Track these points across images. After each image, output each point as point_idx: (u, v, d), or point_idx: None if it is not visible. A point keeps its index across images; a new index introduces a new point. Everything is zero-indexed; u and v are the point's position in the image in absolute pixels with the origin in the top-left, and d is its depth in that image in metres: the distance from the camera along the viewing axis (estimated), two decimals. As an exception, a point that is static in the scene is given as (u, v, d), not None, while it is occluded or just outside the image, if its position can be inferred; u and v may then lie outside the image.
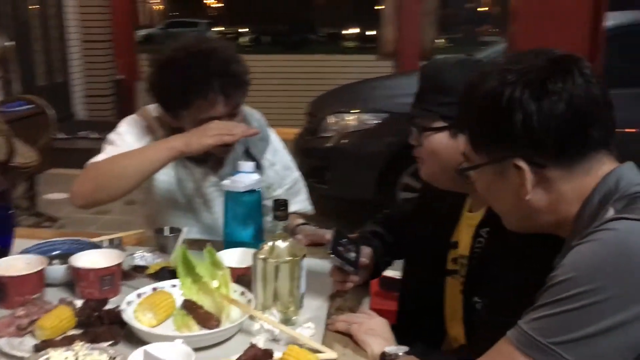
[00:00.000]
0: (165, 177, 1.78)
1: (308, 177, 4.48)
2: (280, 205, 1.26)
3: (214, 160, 1.77)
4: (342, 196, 4.39)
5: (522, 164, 0.98)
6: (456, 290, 1.41)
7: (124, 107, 7.96)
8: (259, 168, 1.74)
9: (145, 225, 1.87)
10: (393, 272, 2.42)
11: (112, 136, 1.75)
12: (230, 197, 1.51)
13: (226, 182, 1.52)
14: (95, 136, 6.17)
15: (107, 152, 1.69)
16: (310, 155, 4.50)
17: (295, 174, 1.94)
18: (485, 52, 5.81)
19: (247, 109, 1.83)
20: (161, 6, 33.29)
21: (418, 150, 1.37)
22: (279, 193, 1.85)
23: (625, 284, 0.84)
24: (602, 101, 0.97)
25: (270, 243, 1.27)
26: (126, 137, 1.73)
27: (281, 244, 1.27)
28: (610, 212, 0.93)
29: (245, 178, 1.50)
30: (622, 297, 0.84)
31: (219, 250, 1.39)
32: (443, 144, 1.31)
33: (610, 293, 0.84)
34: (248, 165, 1.53)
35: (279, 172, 1.88)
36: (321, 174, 4.35)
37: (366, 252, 1.49)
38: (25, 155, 3.92)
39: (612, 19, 3.29)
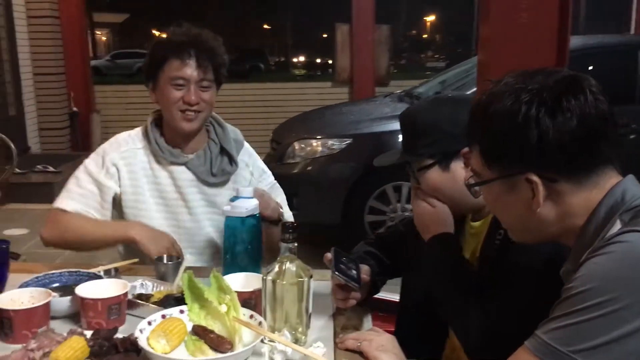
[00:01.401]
0: (133, 196, 1.89)
1: (276, 203, 4.52)
2: (289, 228, 1.30)
3: (189, 160, 1.89)
4: (311, 221, 4.42)
5: (535, 178, 1.03)
6: None
7: (80, 140, 7.84)
8: (234, 164, 1.90)
9: (123, 246, 1.93)
10: (387, 295, 2.46)
11: (79, 168, 1.92)
12: (231, 222, 1.54)
13: (226, 207, 1.55)
14: (51, 170, 6.06)
15: (68, 191, 1.86)
16: (277, 182, 4.53)
17: (272, 179, 2.06)
18: (437, 78, 6.01)
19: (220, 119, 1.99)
20: (107, 38, 32.90)
21: (421, 192, 1.46)
22: None
23: (639, 293, 0.90)
24: (609, 117, 1.03)
25: (278, 265, 1.30)
26: (89, 167, 1.89)
27: (289, 266, 1.30)
28: (617, 224, 0.99)
29: (245, 203, 1.53)
30: (637, 306, 0.89)
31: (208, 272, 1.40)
32: (438, 178, 1.41)
33: (626, 302, 0.89)
34: (247, 190, 1.56)
35: (254, 174, 2.00)
36: (289, 201, 4.37)
37: (365, 269, 1.54)
38: (-16, 190, 3.81)
39: (575, 42, 3.49)
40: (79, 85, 7.92)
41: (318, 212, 4.39)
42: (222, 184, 1.93)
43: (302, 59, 35.77)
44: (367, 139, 4.33)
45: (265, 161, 4.78)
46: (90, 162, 1.89)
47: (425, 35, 46.29)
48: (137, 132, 1.94)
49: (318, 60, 31.67)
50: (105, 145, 1.93)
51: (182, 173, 1.89)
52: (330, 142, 4.42)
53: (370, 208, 4.37)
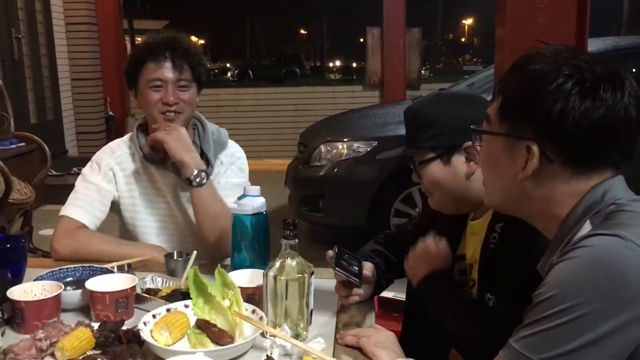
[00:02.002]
0: (129, 200, 1.95)
1: (302, 205, 4.58)
2: (289, 225, 1.32)
3: (172, 162, 1.89)
4: (336, 223, 4.45)
5: (535, 149, 1.01)
6: None
7: (115, 143, 8.03)
8: (210, 167, 1.90)
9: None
10: (391, 293, 2.47)
11: (79, 178, 1.96)
12: (238, 220, 1.57)
13: (233, 205, 1.58)
14: (87, 172, 6.21)
15: (74, 199, 1.90)
16: (304, 185, 4.58)
17: (237, 180, 1.97)
18: (466, 81, 5.96)
19: (209, 123, 2.01)
20: (147, 44, 33.53)
21: (423, 185, 1.47)
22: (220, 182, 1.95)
23: (605, 298, 0.88)
24: (634, 125, 0.99)
25: (279, 261, 1.33)
26: (87, 175, 1.94)
27: (290, 262, 1.32)
28: (587, 226, 0.98)
29: (252, 201, 1.56)
30: (603, 311, 0.88)
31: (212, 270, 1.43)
32: (439, 171, 1.41)
33: (591, 307, 0.88)
34: (254, 189, 1.59)
35: (222, 171, 1.97)
36: (315, 202, 4.42)
37: (368, 266, 1.55)
38: (21, 191, 3.94)
39: (592, 45, 3.43)
40: (115, 90, 8.12)
41: (344, 215, 4.42)
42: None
43: (337, 63, 35.86)
44: (393, 141, 4.32)
45: (293, 164, 4.88)
46: (87, 170, 1.96)
47: (463, 39, 45.89)
48: (127, 138, 2.00)
49: (353, 65, 31.71)
50: (99, 153, 1.98)
51: (166, 177, 1.93)
52: (356, 144, 4.43)
53: (396, 210, 4.36)
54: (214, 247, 1.79)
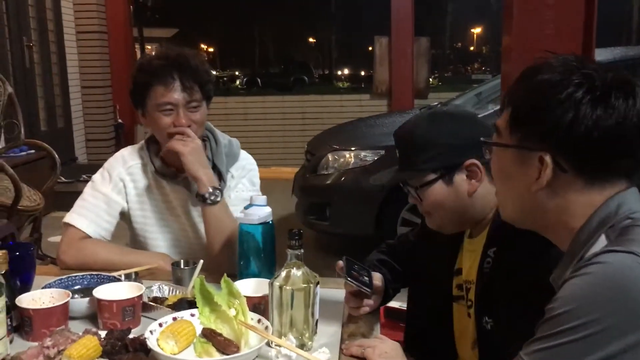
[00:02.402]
0: (140, 212, 1.93)
1: (309, 213, 4.58)
2: (295, 235, 1.33)
3: (183, 177, 1.89)
4: (343, 232, 4.46)
5: (548, 159, 1.00)
6: (463, 314, 1.47)
7: (124, 151, 8.08)
8: (222, 182, 1.87)
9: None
10: (397, 303, 2.46)
11: (88, 184, 1.94)
12: (244, 229, 1.58)
13: (240, 215, 1.59)
14: (96, 179, 6.25)
15: (80, 207, 1.89)
16: (311, 193, 4.59)
17: (247, 195, 1.92)
18: (473, 90, 5.97)
19: (221, 134, 1.98)
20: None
21: (421, 207, 1.45)
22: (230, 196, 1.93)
23: (618, 315, 0.88)
24: None
25: (285, 271, 1.34)
26: (97, 183, 1.92)
27: (296, 272, 1.33)
28: (602, 240, 0.97)
29: (258, 211, 1.57)
30: (617, 328, 0.88)
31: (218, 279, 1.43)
32: (442, 192, 1.39)
33: (605, 324, 0.88)
34: (261, 198, 1.60)
35: (234, 185, 1.95)
36: (322, 211, 4.43)
37: (377, 276, 1.55)
38: (30, 198, 3.98)
39: (600, 55, 3.43)
40: (124, 98, 8.13)
41: (351, 223, 4.42)
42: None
43: (345, 71, 35.95)
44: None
45: (300, 172, 4.89)
46: (98, 177, 1.93)
47: (471, 48, 45.89)
48: (140, 147, 1.97)
49: (362, 73, 31.78)
50: (112, 161, 1.96)
51: (177, 192, 1.92)
52: (363, 153, 4.43)
53: (403, 220, 4.36)
54: (222, 261, 1.75)
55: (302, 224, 4.50)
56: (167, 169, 1.90)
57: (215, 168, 1.89)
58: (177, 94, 1.78)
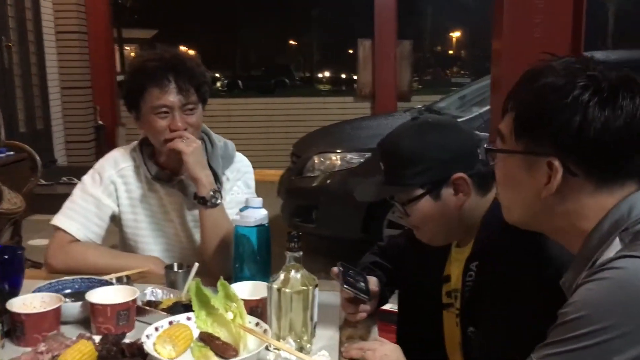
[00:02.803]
0: (132, 216, 1.90)
1: (295, 216, 4.56)
2: (294, 238, 1.31)
3: (178, 181, 1.86)
4: (330, 234, 4.45)
5: (557, 164, 0.98)
6: (452, 322, 1.47)
7: (105, 153, 7.99)
8: (218, 183, 1.83)
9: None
10: (388, 305, 2.46)
11: (78, 185, 1.89)
12: (240, 231, 1.56)
13: (236, 217, 1.57)
14: (76, 181, 6.16)
15: (69, 209, 1.84)
16: (297, 195, 4.57)
17: (242, 198, 1.88)
18: (457, 93, 6.01)
19: (216, 136, 1.95)
20: (136, 53, 33.50)
21: (408, 221, 1.43)
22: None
23: (634, 322, 0.87)
24: None
25: (284, 273, 1.32)
26: (87, 185, 1.87)
27: (295, 274, 1.32)
28: (616, 244, 0.96)
29: (254, 213, 1.55)
30: (632, 335, 0.87)
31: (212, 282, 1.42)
32: (429, 208, 1.37)
33: (620, 331, 0.87)
34: (257, 201, 1.58)
35: (228, 187, 1.92)
36: (308, 213, 4.41)
37: (373, 280, 1.54)
38: (11, 201, 3.90)
39: (596, 57, 3.46)
40: (105, 99, 8.09)
41: (337, 226, 4.41)
42: None
43: (327, 74, 35.99)
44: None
45: (286, 174, 4.87)
46: (88, 179, 1.88)
47: (451, 51, 46.25)
48: (133, 148, 1.93)
49: (343, 76, 31.84)
50: (102, 162, 1.91)
51: (171, 196, 1.88)
52: (349, 156, 4.44)
53: (389, 222, 4.36)
54: (217, 264, 1.72)
55: (288, 226, 4.48)
56: (161, 172, 1.86)
57: (210, 170, 1.85)
58: (172, 97, 1.74)
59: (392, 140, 1.41)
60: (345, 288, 1.43)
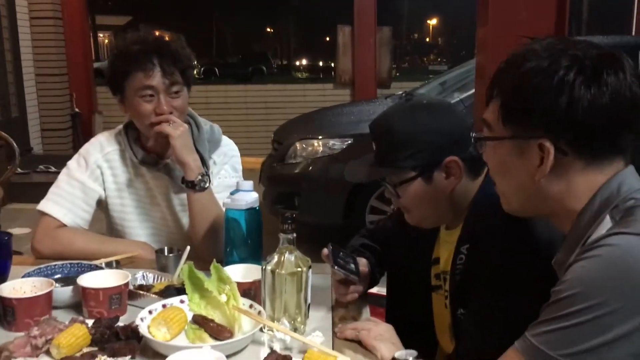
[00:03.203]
0: (118, 200, 1.88)
1: (276, 203, 4.55)
2: (287, 219, 1.32)
3: (164, 164, 1.85)
4: (312, 221, 4.43)
5: (549, 145, 0.99)
6: (441, 304, 1.48)
7: (82, 141, 7.89)
8: (204, 167, 1.81)
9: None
10: (375, 289, 2.48)
11: (63, 170, 1.87)
12: (231, 214, 1.55)
13: (227, 200, 1.56)
14: (52, 170, 6.09)
15: (55, 195, 1.82)
16: (279, 182, 4.56)
17: (231, 182, 1.88)
18: (436, 80, 6.04)
19: (202, 119, 1.93)
20: (110, 40, 33.01)
21: (398, 203, 1.43)
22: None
23: (627, 298, 0.89)
24: (639, 103, 0.99)
25: (277, 255, 1.32)
26: (73, 170, 1.85)
27: (289, 256, 1.32)
28: (607, 222, 0.97)
29: (245, 196, 1.55)
30: (625, 310, 0.89)
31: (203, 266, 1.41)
32: (420, 190, 1.37)
33: (613, 307, 0.89)
34: (247, 184, 1.58)
35: (216, 171, 1.92)
36: (290, 200, 4.41)
37: (363, 261, 1.55)
38: (-12, 189, 3.84)
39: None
40: (81, 86, 7.97)
41: (320, 212, 4.42)
42: None
43: (304, 62, 35.86)
44: (369, 139, 4.32)
45: (267, 161, 4.85)
46: (74, 164, 1.86)
47: (428, 39, 46.38)
48: (119, 131, 1.90)
49: (320, 63, 31.76)
50: (88, 146, 1.89)
51: (157, 179, 1.86)
52: (331, 142, 4.44)
53: (371, 208, 4.38)
54: (207, 249, 1.72)
55: (270, 213, 4.48)
56: (147, 156, 1.85)
57: (197, 154, 1.84)
58: (157, 80, 1.72)
59: (385, 121, 1.40)
60: (336, 269, 1.43)
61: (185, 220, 1.88)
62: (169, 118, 1.74)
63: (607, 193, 1.00)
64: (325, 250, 1.48)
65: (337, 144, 4.40)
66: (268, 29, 41.19)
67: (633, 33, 8.97)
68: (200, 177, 1.73)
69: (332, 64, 13.67)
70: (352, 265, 1.48)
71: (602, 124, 0.98)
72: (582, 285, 0.92)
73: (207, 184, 1.75)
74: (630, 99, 0.98)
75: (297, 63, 36.07)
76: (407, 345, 1.31)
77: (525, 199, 1.09)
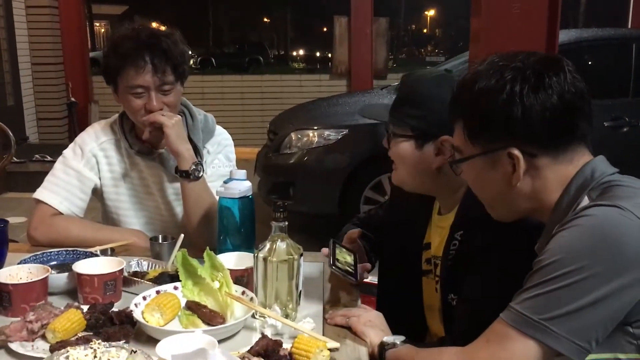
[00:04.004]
0: (113, 189, 1.91)
1: (271, 192, 4.58)
2: (279, 208, 1.34)
3: (158, 154, 1.88)
4: (307, 211, 4.47)
5: (517, 152, 1.09)
6: (432, 288, 1.51)
7: (77, 130, 7.89)
8: (198, 156, 1.83)
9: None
10: (369, 278, 2.51)
11: (59, 159, 1.89)
12: (224, 203, 1.57)
13: (220, 189, 1.58)
14: (48, 159, 6.10)
15: (51, 183, 1.84)
16: (274, 172, 4.59)
17: (225, 170, 1.94)
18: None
19: (196, 109, 1.95)
20: (106, 30, 32.85)
21: (389, 152, 1.47)
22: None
23: (604, 263, 0.95)
24: (585, 95, 1.09)
25: (269, 243, 1.34)
26: (69, 158, 1.88)
27: (280, 244, 1.34)
28: (585, 200, 1.05)
29: (238, 185, 1.57)
30: (603, 274, 0.95)
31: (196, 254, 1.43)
32: (408, 151, 1.41)
33: (592, 271, 0.95)
34: (240, 172, 1.60)
35: (209, 160, 1.94)
36: (285, 190, 4.43)
37: (366, 266, 1.58)
38: (-15, 177, 3.85)
39: (561, 36, 3.54)
40: (77, 75, 7.96)
41: (314, 202, 4.45)
42: None
43: (301, 52, 35.77)
44: (363, 129, 4.35)
45: (262, 151, 4.86)
46: (70, 153, 1.89)
47: (425, 30, 46.26)
48: (114, 121, 1.93)
49: (317, 54, 31.70)
50: (84, 135, 1.91)
51: (152, 169, 1.89)
52: (326, 132, 4.46)
53: (365, 198, 4.41)
54: (201, 237, 1.73)
55: (264, 203, 4.50)
56: (141, 146, 1.87)
57: (191, 143, 1.86)
58: (148, 77, 1.73)
59: (413, 77, 1.48)
60: (333, 269, 1.46)
61: (179, 209, 1.90)
62: (157, 117, 1.75)
63: (581, 180, 1.08)
64: (325, 250, 1.52)
65: (332, 135, 4.42)
66: (265, 19, 41.04)
67: (629, 25, 8.98)
68: (194, 166, 1.75)
69: (329, 55, 13.66)
70: (352, 265, 1.50)
71: (557, 120, 1.06)
72: (563, 252, 0.98)
73: (201, 174, 1.77)
74: (574, 92, 1.07)
75: (294, 53, 35.99)
76: (397, 329, 1.35)
77: (508, 205, 1.17)
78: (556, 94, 1.06)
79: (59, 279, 1.44)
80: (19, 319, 1.24)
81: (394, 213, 1.65)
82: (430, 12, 43.48)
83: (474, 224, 1.32)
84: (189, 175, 1.75)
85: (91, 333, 1.23)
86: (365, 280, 2.42)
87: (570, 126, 1.08)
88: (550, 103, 1.05)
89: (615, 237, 0.96)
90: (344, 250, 1.53)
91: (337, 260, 1.49)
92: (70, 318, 1.22)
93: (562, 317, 0.96)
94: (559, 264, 0.98)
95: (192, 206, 1.78)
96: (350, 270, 1.49)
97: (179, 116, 1.79)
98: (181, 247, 1.58)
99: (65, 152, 1.90)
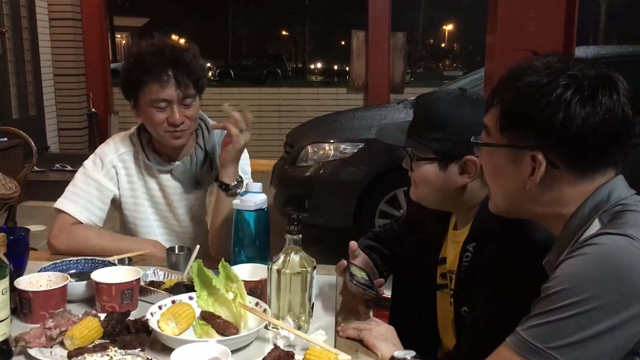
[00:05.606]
0: (131, 199, 1.95)
1: (287, 205, 4.60)
2: (294, 221, 1.36)
3: (175, 167, 1.91)
4: (322, 224, 4.49)
5: (541, 158, 1.05)
6: (446, 303, 1.52)
7: (97, 140, 8.00)
8: (214, 169, 1.87)
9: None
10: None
11: (80, 170, 1.93)
12: (240, 215, 1.60)
13: (236, 201, 1.61)
14: (68, 169, 6.20)
15: (72, 193, 1.89)
16: (290, 184, 4.61)
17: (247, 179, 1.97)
18: (454, 84, 6.05)
19: (213, 122, 1.98)
20: (127, 41, 33.32)
21: (410, 174, 1.48)
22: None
23: (612, 294, 0.94)
24: (630, 124, 1.05)
25: (283, 255, 1.37)
26: (89, 169, 1.93)
27: (294, 257, 1.36)
28: (596, 224, 1.03)
29: (254, 197, 1.60)
30: (610, 305, 0.94)
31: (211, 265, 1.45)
32: (432, 173, 1.41)
33: (599, 302, 0.94)
34: (256, 185, 1.63)
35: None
36: (301, 202, 4.46)
37: (379, 281, 1.61)
38: (6, 186, 3.92)
39: (579, 53, 3.55)
40: (98, 86, 8.08)
41: (330, 215, 4.46)
42: (206, 190, 1.97)
43: (319, 65, 35.93)
44: (380, 144, 4.33)
45: (279, 164, 4.90)
46: (90, 164, 1.93)
47: (443, 44, 46.28)
48: (133, 133, 1.97)
49: (335, 67, 31.81)
50: (104, 147, 1.96)
51: (168, 181, 1.93)
52: (342, 146, 4.48)
53: (381, 212, 4.42)
54: (223, 248, 1.73)
55: (280, 215, 4.53)
56: (159, 158, 1.92)
57: (207, 156, 1.90)
58: (171, 91, 1.78)
59: (431, 98, 1.47)
60: (354, 284, 1.49)
61: (194, 221, 1.94)
62: (177, 137, 1.82)
63: (597, 199, 1.06)
64: (343, 262, 1.54)
65: (348, 148, 4.44)
66: (283, 32, 41.35)
67: (649, 42, 8.92)
68: (235, 182, 1.79)
69: (347, 68, 13.71)
70: (368, 281, 1.52)
71: (593, 140, 1.03)
72: (571, 281, 0.97)
73: (239, 190, 1.79)
74: (621, 119, 1.03)
75: (312, 66, 36.16)
76: (409, 342, 1.35)
77: (512, 204, 1.15)
78: (602, 113, 1.02)
79: (78, 287, 1.47)
80: (38, 325, 1.28)
81: (410, 227, 1.66)
82: (449, 27, 43.52)
83: (486, 236, 1.33)
84: (229, 190, 1.78)
85: (108, 340, 1.25)
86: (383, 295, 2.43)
87: (604, 150, 1.05)
88: (593, 120, 1.01)
89: (624, 267, 0.95)
90: (358, 268, 1.55)
91: (354, 276, 1.51)
92: (87, 325, 1.25)
93: (568, 347, 0.96)
94: (566, 293, 0.96)
95: (221, 218, 1.80)
96: (369, 284, 1.51)
97: (248, 138, 1.82)
98: (197, 258, 1.61)
99: (85, 163, 1.95)
